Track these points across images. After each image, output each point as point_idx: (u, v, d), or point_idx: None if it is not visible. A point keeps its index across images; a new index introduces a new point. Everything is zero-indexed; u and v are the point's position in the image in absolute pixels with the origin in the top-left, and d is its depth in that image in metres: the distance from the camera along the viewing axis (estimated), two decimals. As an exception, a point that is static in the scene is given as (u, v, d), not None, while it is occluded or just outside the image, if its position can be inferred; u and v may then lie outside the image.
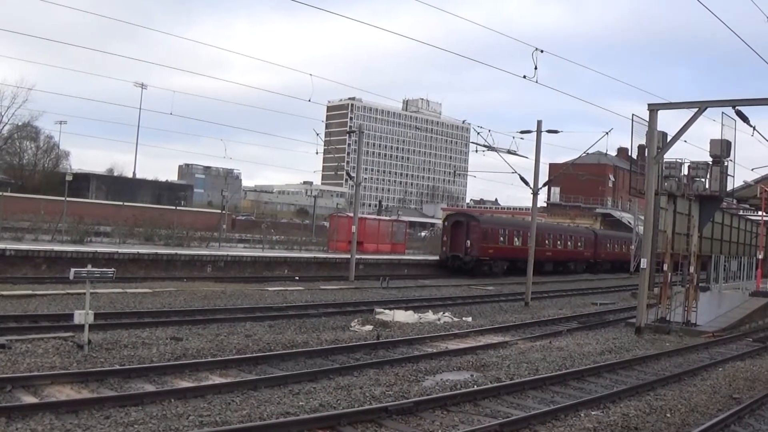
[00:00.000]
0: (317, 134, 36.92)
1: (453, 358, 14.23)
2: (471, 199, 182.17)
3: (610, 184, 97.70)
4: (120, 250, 30.04)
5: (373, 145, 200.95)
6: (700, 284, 23.35)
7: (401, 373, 12.37)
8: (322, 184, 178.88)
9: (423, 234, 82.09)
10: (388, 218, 62.71)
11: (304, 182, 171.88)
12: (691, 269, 21.75)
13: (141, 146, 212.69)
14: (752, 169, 37.28)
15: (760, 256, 27.52)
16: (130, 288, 22.35)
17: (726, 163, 21.61)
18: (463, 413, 9.91)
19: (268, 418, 8.82)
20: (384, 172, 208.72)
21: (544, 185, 33.51)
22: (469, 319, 21.09)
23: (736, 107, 19.29)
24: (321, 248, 45.57)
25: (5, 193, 41.97)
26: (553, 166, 68.22)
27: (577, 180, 72.95)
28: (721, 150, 21.17)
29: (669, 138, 20.96)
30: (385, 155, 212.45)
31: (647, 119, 20.56)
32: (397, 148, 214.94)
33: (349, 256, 35.56)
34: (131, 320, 16.48)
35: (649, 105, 20.57)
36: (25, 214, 37.82)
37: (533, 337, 18.11)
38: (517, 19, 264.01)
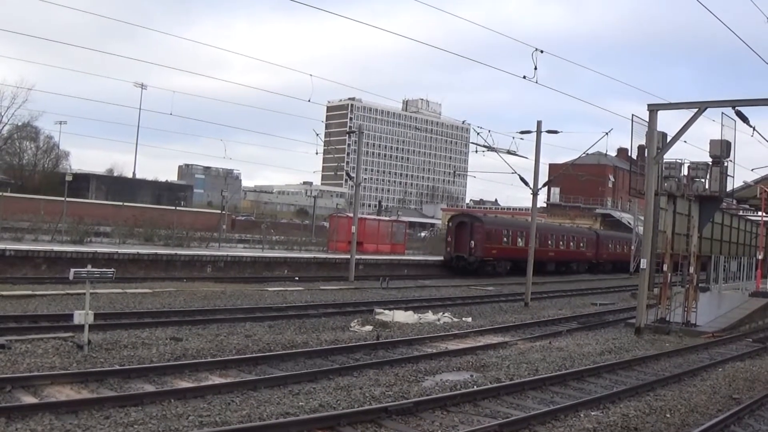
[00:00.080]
0: (317, 134, 37.10)
1: (453, 358, 14.23)
2: (471, 200, 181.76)
3: (610, 185, 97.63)
4: (120, 251, 30.06)
5: (373, 146, 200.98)
6: (699, 285, 23.35)
7: (401, 373, 12.37)
8: (321, 184, 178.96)
9: (423, 234, 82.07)
10: (387, 218, 62.68)
11: (304, 182, 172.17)
12: (691, 270, 21.76)
13: (141, 146, 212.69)
14: (752, 170, 37.34)
15: (760, 257, 27.54)
16: (130, 288, 22.34)
17: (726, 164, 21.57)
18: (462, 413, 9.91)
19: (268, 419, 8.82)
20: (384, 172, 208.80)
21: (544, 185, 33.52)
22: (469, 319, 21.10)
23: (736, 107, 19.32)
24: (321, 248, 45.59)
25: (5, 194, 41.96)
26: (552, 167, 68.25)
27: (577, 180, 72.99)
28: (721, 150, 21.15)
29: (669, 138, 20.97)
30: (385, 155, 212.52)
31: (647, 119, 20.57)
32: (397, 149, 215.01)
33: (348, 256, 35.59)
34: (131, 320, 16.48)
35: (648, 105, 20.58)
36: (25, 215, 37.84)
37: (533, 338, 18.12)
38: (517, 19, 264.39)
